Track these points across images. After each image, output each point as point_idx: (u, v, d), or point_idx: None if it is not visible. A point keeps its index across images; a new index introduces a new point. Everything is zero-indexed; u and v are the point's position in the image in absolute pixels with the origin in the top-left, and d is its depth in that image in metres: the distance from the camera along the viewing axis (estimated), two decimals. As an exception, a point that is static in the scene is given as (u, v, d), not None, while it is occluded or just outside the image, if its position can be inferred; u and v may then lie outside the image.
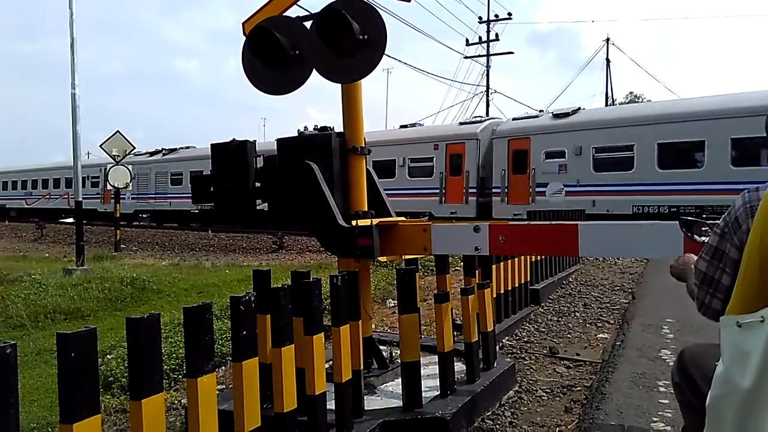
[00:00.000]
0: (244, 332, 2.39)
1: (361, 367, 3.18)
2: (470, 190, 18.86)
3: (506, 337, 5.55)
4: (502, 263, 5.67)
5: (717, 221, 1.82)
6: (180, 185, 27.36)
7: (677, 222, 2.31)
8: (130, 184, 18.87)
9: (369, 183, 4.02)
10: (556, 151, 17.01)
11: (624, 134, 15.73)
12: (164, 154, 29.31)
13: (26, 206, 37.77)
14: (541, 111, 19.51)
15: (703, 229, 2.10)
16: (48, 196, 36.10)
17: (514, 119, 19.90)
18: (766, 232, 1.43)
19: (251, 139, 3.90)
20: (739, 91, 15.78)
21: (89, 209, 29.40)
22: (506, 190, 18.03)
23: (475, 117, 22.11)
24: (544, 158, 17.25)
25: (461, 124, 21.12)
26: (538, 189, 17.29)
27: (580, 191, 16.34)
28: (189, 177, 26.67)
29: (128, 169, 18.20)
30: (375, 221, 3.65)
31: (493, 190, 18.56)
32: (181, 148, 29.62)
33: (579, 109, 17.88)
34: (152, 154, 29.93)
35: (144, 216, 29.76)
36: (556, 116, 17.75)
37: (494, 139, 18.62)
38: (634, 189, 15.29)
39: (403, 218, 4.11)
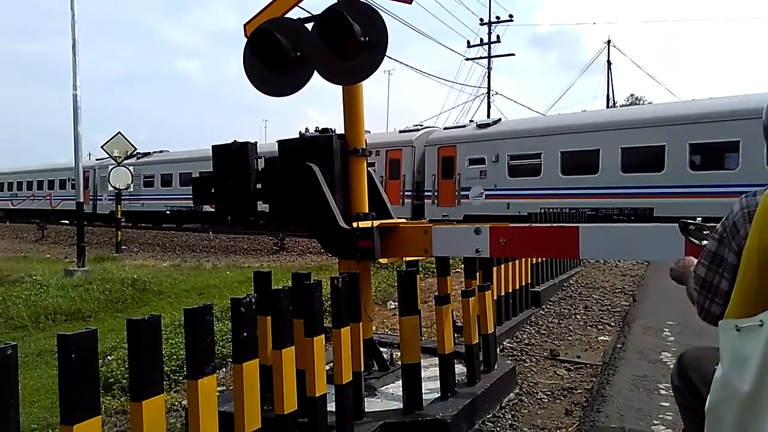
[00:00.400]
0: (245, 334, 2.39)
1: (362, 369, 3.17)
2: (406, 193, 20.26)
3: (507, 340, 5.54)
4: (502, 265, 5.67)
5: (717, 225, 1.82)
6: (152, 187, 28.53)
7: (677, 225, 2.31)
8: (131, 185, 18.96)
9: (370, 185, 4.02)
10: (478, 158, 18.53)
11: (533, 144, 17.25)
12: (138, 158, 30.19)
13: (12, 207, 38.90)
14: (471, 121, 21.16)
15: (704, 232, 2.10)
16: (32, 198, 37.34)
17: (445, 128, 21.49)
18: (765, 235, 1.43)
19: (252, 141, 3.91)
20: (629, 106, 19.03)
21: (69, 210, 31.59)
22: (436, 193, 19.53)
23: (415, 125, 23.15)
24: (468, 164, 18.71)
25: (401, 132, 22.30)
26: (462, 193, 18.81)
27: (497, 195, 17.95)
28: (160, 179, 28.13)
29: (129, 170, 18.28)
30: (376, 223, 3.65)
31: (425, 193, 19.94)
32: (155, 152, 30.50)
33: (499, 120, 19.93)
34: (127, 157, 30.91)
35: (121, 218, 30.72)
36: (479, 126, 19.42)
37: (426, 147, 20.03)
38: (541, 193, 16.86)
39: (404, 220, 4.11)
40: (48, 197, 35.70)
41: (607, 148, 15.61)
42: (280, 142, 3.99)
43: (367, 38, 3.45)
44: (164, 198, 27.71)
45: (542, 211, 15.55)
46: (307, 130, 4.02)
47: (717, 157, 14.21)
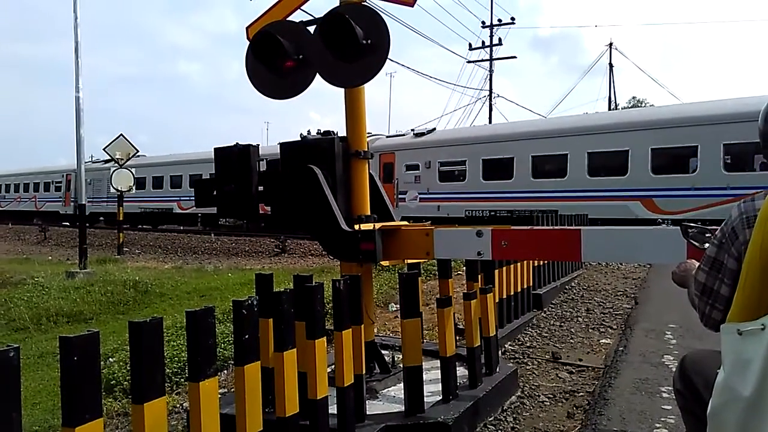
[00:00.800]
0: (247, 336, 2.39)
1: (363, 372, 3.17)
2: None
3: (509, 342, 5.54)
4: (504, 268, 5.66)
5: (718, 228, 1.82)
6: None
7: (679, 228, 2.31)
8: (133, 188, 19.05)
9: (371, 187, 4.03)
10: (413, 165, 20.22)
11: (459, 152, 19.16)
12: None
13: (0, 208, 40.32)
14: (412, 130, 22.44)
15: (707, 236, 2.10)
16: (19, 200, 39.27)
17: (387, 137, 22.86)
18: (767, 240, 1.43)
19: (254, 143, 3.91)
20: (542, 118, 22.35)
21: (52, 211, 34.66)
22: None
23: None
24: (405, 170, 20.34)
25: None
26: (400, 196, 20.21)
27: (430, 198, 19.57)
28: (134, 182, 28.89)
29: (131, 172, 18.35)
30: (378, 225, 3.65)
31: None
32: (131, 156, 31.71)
33: (434, 129, 21.51)
34: (106, 161, 32.24)
35: (101, 219, 31.98)
36: (416, 135, 20.91)
37: None
38: (466, 196, 18.65)
39: (405, 222, 4.11)
40: (33, 199, 37.49)
41: (520, 156, 17.56)
42: (282, 144, 4.00)
43: (369, 41, 3.46)
44: (138, 200, 28.90)
45: (467, 213, 17.72)
46: (309, 132, 4.03)
47: (610, 164, 15.92)
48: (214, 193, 4.03)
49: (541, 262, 7.27)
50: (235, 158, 3.88)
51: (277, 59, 3.81)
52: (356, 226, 3.63)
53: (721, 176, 13.87)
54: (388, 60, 3.58)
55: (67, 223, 31.17)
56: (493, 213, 16.59)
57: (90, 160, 34.09)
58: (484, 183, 18.28)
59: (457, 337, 4.03)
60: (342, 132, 3.95)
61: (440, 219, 16.52)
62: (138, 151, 19.11)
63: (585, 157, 16.13)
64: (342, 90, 3.90)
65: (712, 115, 14.41)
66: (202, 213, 27.51)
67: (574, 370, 4.78)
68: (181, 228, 26.80)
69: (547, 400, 4.11)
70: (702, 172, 14.14)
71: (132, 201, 28.71)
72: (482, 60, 32.39)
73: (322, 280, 2.99)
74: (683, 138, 14.44)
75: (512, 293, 5.93)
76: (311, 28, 3.80)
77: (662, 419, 3.49)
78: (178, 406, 4.30)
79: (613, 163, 15.71)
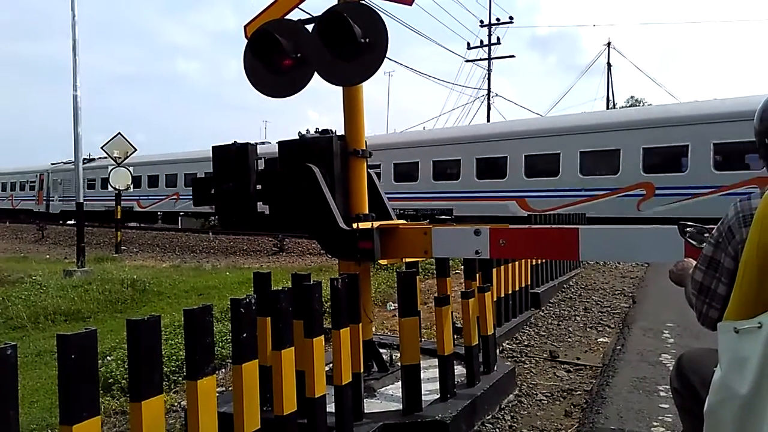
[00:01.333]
0: (245, 334, 2.39)
1: (361, 370, 3.17)
2: None
3: (506, 341, 5.54)
4: (502, 267, 5.66)
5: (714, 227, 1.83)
6: (93, 189, 31.58)
7: (676, 227, 2.31)
8: (131, 186, 19.06)
9: (370, 186, 4.02)
10: None
11: (375, 156, 19.49)
12: (84, 163, 32.05)
13: None
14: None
15: (705, 235, 2.10)
16: None
17: None
18: (764, 238, 1.43)
19: (252, 142, 3.91)
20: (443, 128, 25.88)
21: (26, 209, 36.81)
22: None
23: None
24: None
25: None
26: None
27: None
28: (100, 182, 31.18)
29: (130, 171, 18.36)
30: (376, 224, 3.65)
31: None
32: (100, 158, 32.57)
33: None
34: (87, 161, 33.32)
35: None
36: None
37: None
38: None
39: (403, 221, 4.11)
40: (10, 198, 39.63)
41: (423, 161, 19.82)
42: (280, 143, 4.00)
43: (367, 40, 3.45)
44: (104, 199, 30.29)
45: (380, 212, 20.06)
46: (307, 131, 4.02)
47: (493, 168, 18.14)
48: (212, 191, 4.03)
49: (539, 261, 7.28)
50: (233, 157, 3.88)
51: (276, 57, 3.81)
52: (354, 225, 3.63)
53: (577, 179, 16.35)
54: (386, 59, 3.58)
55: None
56: (402, 211, 18.83)
57: (62, 161, 35.08)
58: (395, 184, 20.21)
59: (455, 336, 4.03)
60: (340, 131, 3.95)
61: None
62: (136, 150, 19.09)
63: (474, 162, 18.45)
64: (340, 89, 3.90)
65: (572, 126, 16.95)
66: (162, 211, 28.96)
67: (571, 369, 4.79)
68: (180, 226, 26.86)
69: (544, 398, 4.12)
70: (563, 176, 16.53)
71: (98, 200, 30.60)
72: (480, 59, 32.46)
73: (321, 279, 2.99)
74: (549, 146, 16.73)
75: (510, 292, 5.93)
76: (309, 27, 3.80)
77: (660, 418, 3.50)
78: (176, 404, 4.30)
79: (496, 168, 18.05)
